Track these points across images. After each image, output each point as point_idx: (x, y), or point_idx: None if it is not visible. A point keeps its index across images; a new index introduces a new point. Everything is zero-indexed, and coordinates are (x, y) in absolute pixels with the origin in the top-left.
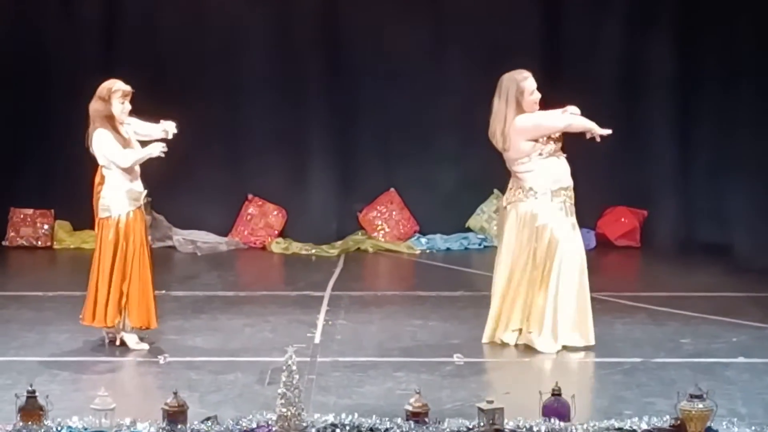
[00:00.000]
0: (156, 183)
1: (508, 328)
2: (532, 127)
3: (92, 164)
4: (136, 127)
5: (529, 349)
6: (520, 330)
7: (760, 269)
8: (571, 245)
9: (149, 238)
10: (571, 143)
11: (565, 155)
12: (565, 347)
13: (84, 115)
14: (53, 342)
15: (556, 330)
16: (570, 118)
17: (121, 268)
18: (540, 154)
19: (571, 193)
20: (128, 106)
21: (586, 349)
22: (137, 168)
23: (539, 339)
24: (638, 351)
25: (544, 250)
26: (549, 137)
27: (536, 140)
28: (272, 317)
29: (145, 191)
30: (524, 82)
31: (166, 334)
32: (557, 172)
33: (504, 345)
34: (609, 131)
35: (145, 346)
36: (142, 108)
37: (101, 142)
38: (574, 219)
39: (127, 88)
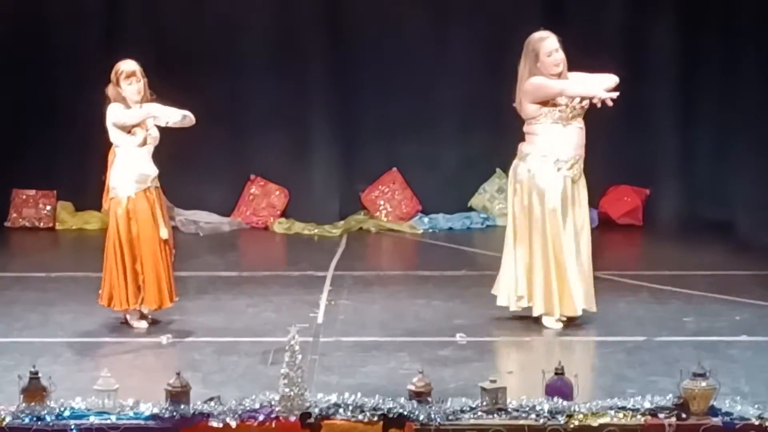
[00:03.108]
0: (158, 163)
1: (513, 294)
2: (533, 89)
3: (95, 145)
4: (157, 113)
5: (532, 328)
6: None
7: (763, 247)
8: (553, 213)
9: (165, 218)
10: None
11: (578, 125)
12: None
13: (88, 97)
14: (56, 323)
15: (535, 298)
16: (565, 84)
17: (130, 250)
18: (545, 118)
19: (573, 163)
20: (136, 86)
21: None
22: (148, 149)
23: (530, 305)
24: (641, 329)
25: (528, 216)
26: (554, 104)
27: (541, 104)
28: (275, 297)
29: (155, 173)
30: (540, 42)
31: (168, 315)
32: (557, 141)
33: (510, 320)
34: (615, 94)
35: (144, 325)
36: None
37: (109, 114)
38: (574, 190)
39: (129, 68)
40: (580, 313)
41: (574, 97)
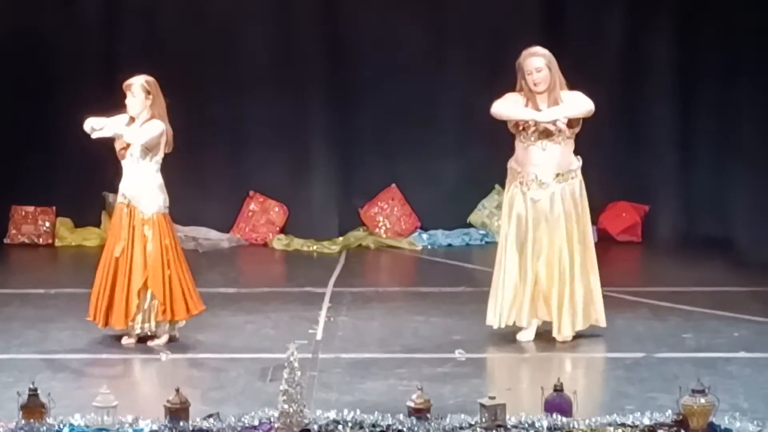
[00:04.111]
0: None
1: None
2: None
3: (94, 161)
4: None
5: (530, 344)
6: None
7: (761, 263)
8: (512, 229)
9: (138, 238)
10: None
11: (541, 147)
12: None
13: (87, 114)
14: (55, 339)
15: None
16: (499, 106)
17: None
18: (517, 136)
19: (528, 181)
20: (129, 99)
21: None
22: (132, 162)
23: None
24: (640, 346)
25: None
26: (516, 124)
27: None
28: (274, 314)
29: (124, 190)
30: (525, 59)
31: (167, 332)
32: (519, 158)
33: (509, 336)
34: (551, 118)
35: (126, 341)
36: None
37: None
38: (533, 207)
39: (126, 82)
40: (502, 326)
41: (507, 119)
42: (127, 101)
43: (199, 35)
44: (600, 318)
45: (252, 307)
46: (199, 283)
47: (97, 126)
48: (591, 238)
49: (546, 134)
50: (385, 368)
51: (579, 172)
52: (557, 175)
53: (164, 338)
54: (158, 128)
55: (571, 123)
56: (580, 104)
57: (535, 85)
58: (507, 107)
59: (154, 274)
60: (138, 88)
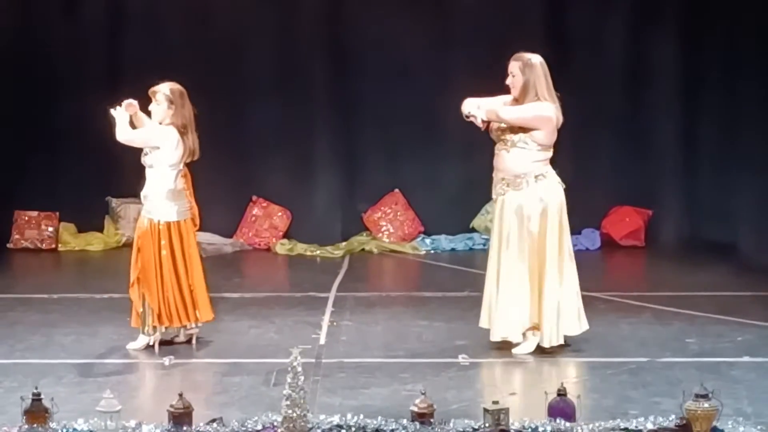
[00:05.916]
0: None
1: None
2: None
3: (97, 167)
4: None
5: (534, 349)
6: None
7: (765, 268)
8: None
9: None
10: (573, 144)
11: (499, 149)
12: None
13: (90, 120)
14: (58, 344)
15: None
16: (467, 99)
17: None
18: None
19: (502, 183)
20: (153, 106)
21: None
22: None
23: None
24: (644, 350)
25: None
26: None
27: None
28: (277, 318)
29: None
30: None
31: (170, 336)
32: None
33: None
34: (467, 110)
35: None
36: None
37: None
38: (497, 209)
39: (152, 88)
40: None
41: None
42: (151, 107)
43: (202, 41)
44: (544, 334)
45: (255, 311)
46: None
47: (131, 110)
48: (548, 250)
49: (497, 138)
50: (389, 373)
51: (536, 184)
52: (502, 180)
53: (141, 342)
54: (148, 133)
55: (513, 129)
56: (500, 111)
57: (510, 88)
58: (467, 100)
59: (145, 279)
60: (161, 96)
